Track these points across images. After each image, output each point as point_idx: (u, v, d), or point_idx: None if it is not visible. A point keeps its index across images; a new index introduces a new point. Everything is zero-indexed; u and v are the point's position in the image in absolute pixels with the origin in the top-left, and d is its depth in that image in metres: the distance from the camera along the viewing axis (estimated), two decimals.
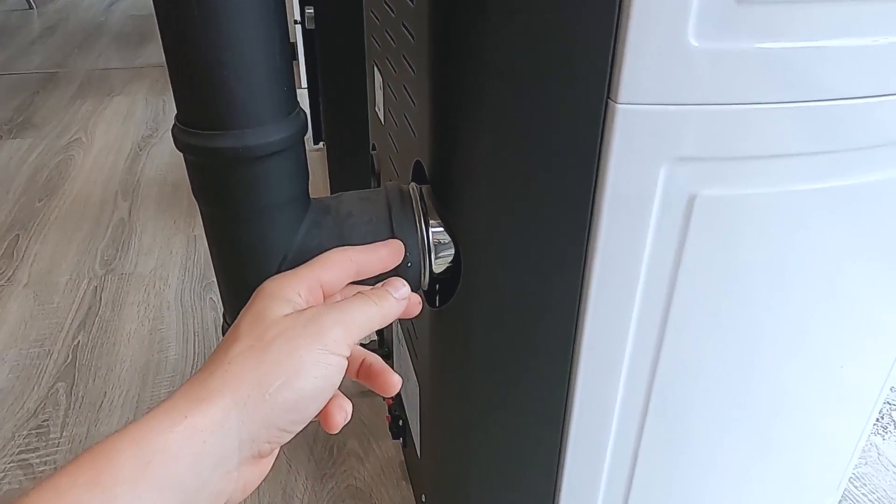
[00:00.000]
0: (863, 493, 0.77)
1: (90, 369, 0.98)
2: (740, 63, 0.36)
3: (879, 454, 0.81)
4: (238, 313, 0.35)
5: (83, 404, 0.92)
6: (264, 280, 0.36)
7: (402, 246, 0.40)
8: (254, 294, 0.35)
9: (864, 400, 0.62)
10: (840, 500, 0.75)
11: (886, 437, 0.84)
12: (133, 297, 1.15)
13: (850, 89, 0.39)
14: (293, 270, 0.36)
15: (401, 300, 0.37)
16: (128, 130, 1.82)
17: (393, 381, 0.38)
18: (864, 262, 0.48)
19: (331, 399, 0.34)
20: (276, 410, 0.30)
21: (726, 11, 0.34)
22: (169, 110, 1.97)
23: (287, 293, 0.34)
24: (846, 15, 0.36)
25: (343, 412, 0.34)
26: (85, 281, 1.19)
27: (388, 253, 0.40)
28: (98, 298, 1.14)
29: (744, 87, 0.37)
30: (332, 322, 0.33)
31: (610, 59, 0.35)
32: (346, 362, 0.33)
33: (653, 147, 0.38)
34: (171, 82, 0.37)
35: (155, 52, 2.51)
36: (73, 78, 2.23)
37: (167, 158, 1.65)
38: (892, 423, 0.85)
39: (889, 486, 0.77)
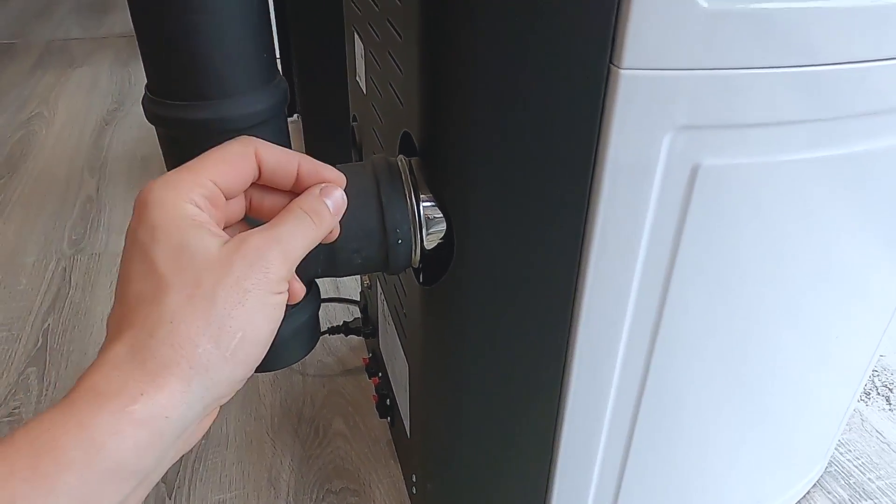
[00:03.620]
0: (848, 459, 0.77)
1: (62, 353, 0.95)
2: (747, 25, 0.34)
3: (863, 420, 0.82)
4: None
5: (56, 389, 0.89)
6: None
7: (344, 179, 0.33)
8: (144, 207, 0.28)
9: (854, 369, 0.62)
10: (827, 466, 0.76)
11: (869, 403, 0.85)
12: (104, 277, 1.11)
13: (847, 53, 0.37)
14: (183, 168, 0.29)
15: (336, 215, 0.33)
16: (92, 104, 1.75)
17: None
18: (859, 231, 0.48)
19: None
20: (238, 367, 0.28)
21: None
22: (135, 82, 1.90)
23: (194, 213, 0.28)
24: None
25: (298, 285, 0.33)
26: (53, 261, 1.14)
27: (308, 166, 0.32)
28: (67, 279, 1.10)
29: (750, 52, 0.35)
30: (275, 255, 0.29)
31: (613, 21, 0.33)
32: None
33: (656, 115, 0.36)
34: (140, 49, 0.34)
35: (119, 21, 2.41)
36: (31, 49, 2.13)
37: (135, 133, 1.59)
38: (875, 390, 0.86)
39: (873, 451, 0.78)
